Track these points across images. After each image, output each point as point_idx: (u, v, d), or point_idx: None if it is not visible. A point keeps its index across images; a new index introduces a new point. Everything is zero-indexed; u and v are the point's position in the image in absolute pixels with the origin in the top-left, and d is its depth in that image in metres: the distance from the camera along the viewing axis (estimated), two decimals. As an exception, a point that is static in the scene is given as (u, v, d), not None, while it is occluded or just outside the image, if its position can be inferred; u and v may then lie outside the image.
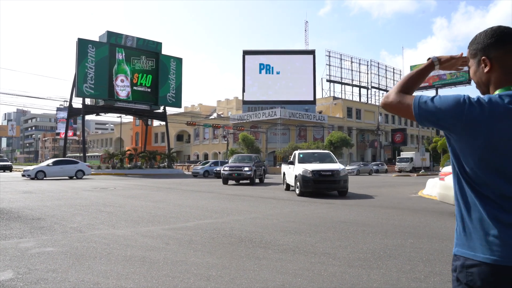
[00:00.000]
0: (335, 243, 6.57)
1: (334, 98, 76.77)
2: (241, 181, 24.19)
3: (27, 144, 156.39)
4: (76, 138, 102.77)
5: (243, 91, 70.51)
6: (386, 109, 1.69)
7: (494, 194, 1.45)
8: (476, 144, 1.45)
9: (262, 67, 70.60)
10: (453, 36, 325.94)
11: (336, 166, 16.00)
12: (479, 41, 1.62)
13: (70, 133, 61.07)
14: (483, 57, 1.59)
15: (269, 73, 70.38)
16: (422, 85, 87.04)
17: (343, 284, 4.38)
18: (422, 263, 5.26)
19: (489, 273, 1.41)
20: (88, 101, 45.54)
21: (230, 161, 25.94)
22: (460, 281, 1.49)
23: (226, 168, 23.50)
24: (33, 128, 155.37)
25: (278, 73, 70.21)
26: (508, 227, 1.41)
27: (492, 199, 1.46)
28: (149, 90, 48.00)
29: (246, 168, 22.97)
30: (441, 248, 6.17)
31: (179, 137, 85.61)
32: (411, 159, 54.87)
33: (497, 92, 1.54)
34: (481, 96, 1.49)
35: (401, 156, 58.79)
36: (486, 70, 1.59)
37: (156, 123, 75.09)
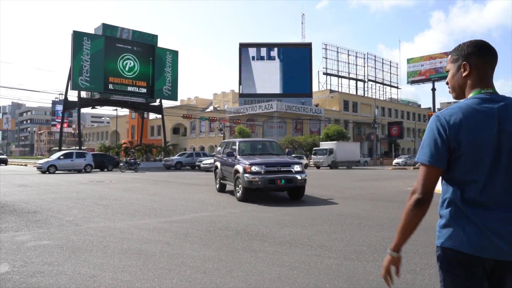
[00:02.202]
0: (331, 236, 6.59)
1: (331, 91, 76.70)
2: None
3: (23, 138, 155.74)
4: (72, 131, 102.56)
5: (240, 84, 70.34)
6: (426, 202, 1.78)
7: None
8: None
9: (258, 60, 70.39)
10: (451, 29, 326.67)
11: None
12: (462, 49, 1.86)
13: (65, 126, 60.89)
14: (464, 62, 1.84)
15: (266, 65, 70.20)
16: (419, 78, 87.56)
17: (339, 276, 4.40)
18: (418, 256, 5.28)
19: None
20: (83, 94, 45.39)
21: (221, 150, 14.74)
22: None
23: (257, 168, 11.18)
24: (29, 121, 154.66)
25: (274, 66, 70.04)
26: None
27: None
28: (145, 83, 47.80)
29: (297, 167, 11.58)
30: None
31: (175, 130, 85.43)
32: (330, 151, 42.60)
33: (471, 94, 1.81)
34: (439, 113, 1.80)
35: (319, 147, 45.93)
36: (464, 74, 1.84)
37: (152, 116, 74.96)
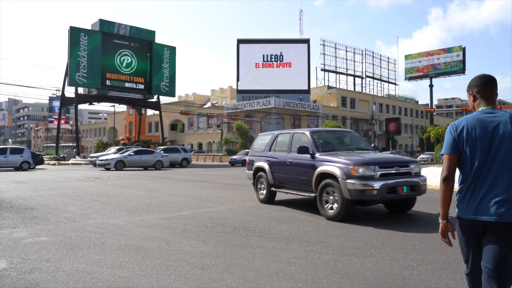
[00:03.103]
0: (328, 232, 6.61)
1: (329, 87, 76.69)
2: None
3: (19, 134, 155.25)
4: (69, 127, 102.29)
5: (237, 80, 70.22)
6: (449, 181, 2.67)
7: None
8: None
9: (256, 56, 70.29)
10: (449, 26, 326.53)
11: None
12: (469, 83, 2.79)
13: (62, 122, 60.74)
14: (469, 93, 2.77)
15: (264, 62, 70.11)
16: (416, 74, 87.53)
17: (336, 272, 4.42)
18: (415, 251, 5.31)
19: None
20: (81, 90, 45.25)
21: (264, 144, 10.96)
22: None
23: (367, 171, 7.59)
24: (25, 117, 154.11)
25: (272, 62, 69.95)
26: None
27: None
28: (142, 79, 47.70)
29: (415, 168, 8.31)
30: (433, 237, 6.22)
31: (173, 126, 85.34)
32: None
33: (477, 111, 2.69)
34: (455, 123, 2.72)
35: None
36: (471, 100, 2.77)
37: (149, 112, 74.69)
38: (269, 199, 10.16)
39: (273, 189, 9.97)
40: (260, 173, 10.49)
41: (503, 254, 2.43)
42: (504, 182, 2.48)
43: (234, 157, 41.43)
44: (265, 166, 10.18)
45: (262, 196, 10.40)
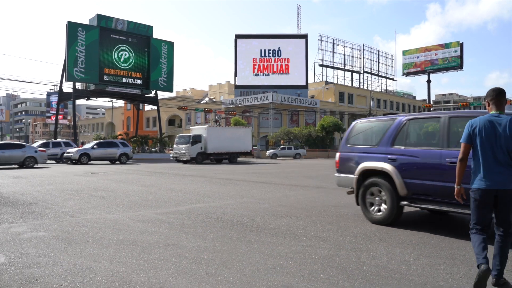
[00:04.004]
0: (326, 227, 6.63)
1: (326, 82, 76.63)
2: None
3: (17, 129, 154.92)
4: (67, 122, 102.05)
5: (235, 75, 70.11)
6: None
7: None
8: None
9: (254, 51, 70.14)
10: (447, 22, 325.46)
11: None
12: (487, 94, 4.03)
13: (60, 117, 60.59)
14: (486, 101, 4.00)
15: (262, 57, 69.97)
16: (414, 70, 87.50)
17: (333, 266, 4.44)
18: (412, 246, 5.34)
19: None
20: (78, 85, 45.06)
21: (385, 136, 7.15)
22: None
23: None
24: (23, 112, 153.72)
25: (270, 57, 69.83)
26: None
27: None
28: (140, 74, 47.56)
29: None
30: (430, 232, 6.26)
31: (171, 122, 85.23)
32: (196, 139, 32.09)
33: (490, 113, 3.93)
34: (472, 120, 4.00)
35: (181, 134, 37.19)
36: (487, 105, 4.03)
37: (147, 107, 74.72)
38: (394, 218, 6.82)
39: (404, 203, 6.69)
40: (374, 179, 7.09)
41: (504, 210, 3.83)
42: (501, 164, 3.78)
43: (273, 151, 47.80)
44: (388, 168, 6.81)
45: (379, 214, 7.02)
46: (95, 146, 30.26)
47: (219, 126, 46.99)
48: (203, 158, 32.45)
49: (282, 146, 50.55)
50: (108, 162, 31.22)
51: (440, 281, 3.98)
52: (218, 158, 34.35)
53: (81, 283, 3.87)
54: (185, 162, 32.11)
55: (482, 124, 3.83)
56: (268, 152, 49.11)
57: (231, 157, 34.15)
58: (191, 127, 38.13)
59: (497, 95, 3.91)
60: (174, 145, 33.34)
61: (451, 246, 5.36)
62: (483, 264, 3.58)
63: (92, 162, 30.07)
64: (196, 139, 31.96)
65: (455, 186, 4.03)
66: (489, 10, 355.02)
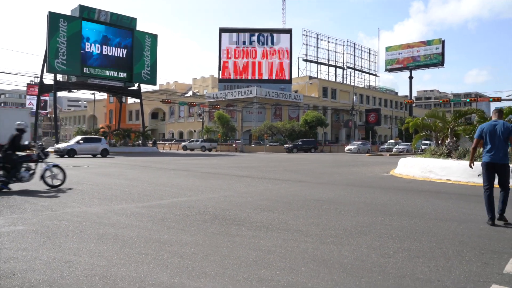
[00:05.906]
0: (308, 221, 6.67)
1: (310, 77, 76.92)
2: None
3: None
4: (48, 115, 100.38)
5: (219, 69, 69.86)
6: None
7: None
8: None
9: (238, 45, 69.91)
10: (429, 20, 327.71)
11: None
12: (493, 111, 7.32)
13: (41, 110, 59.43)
14: (492, 113, 7.21)
15: (246, 51, 69.79)
16: (397, 66, 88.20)
17: (314, 260, 4.47)
18: (392, 240, 5.41)
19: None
20: (60, 77, 44.24)
21: None
22: None
23: None
24: (2, 104, 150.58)
25: (254, 51, 69.69)
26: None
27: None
28: (123, 67, 46.95)
29: None
30: (410, 225, 6.35)
31: (154, 115, 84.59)
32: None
33: (491, 120, 7.02)
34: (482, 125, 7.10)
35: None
36: (491, 116, 7.27)
37: (130, 100, 73.79)
38: None
39: None
40: None
41: (501, 176, 6.61)
42: (499, 149, 6.52)
43: (350, 147, 49.81)
44: None
45: None
46: (80, 141, 32.04)
47: (202, 119, 46.65)
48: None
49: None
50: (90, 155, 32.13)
51: (418, 274, 4.04)
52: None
53: (60, 278, 3.82)
54: None
55: (488, 126, 6.69)
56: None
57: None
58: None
59: (498, 112, 6.92)
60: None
61: (429, 239, 5.45)
62: (490, 216, 6.42)
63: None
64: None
65: (469, 161, 7.23)
66: (470, 10, 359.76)
